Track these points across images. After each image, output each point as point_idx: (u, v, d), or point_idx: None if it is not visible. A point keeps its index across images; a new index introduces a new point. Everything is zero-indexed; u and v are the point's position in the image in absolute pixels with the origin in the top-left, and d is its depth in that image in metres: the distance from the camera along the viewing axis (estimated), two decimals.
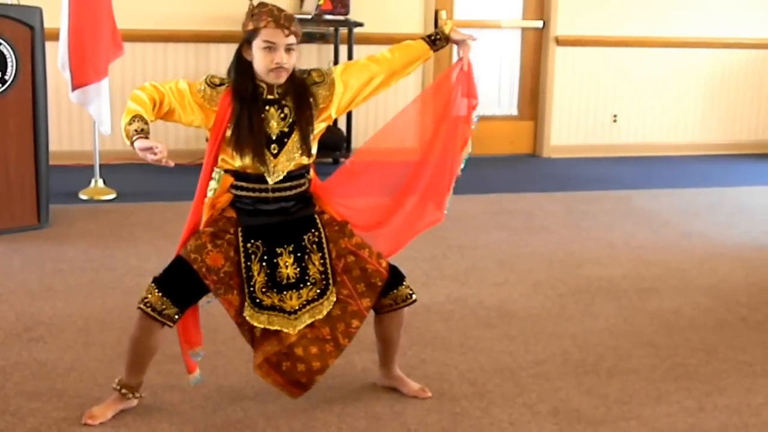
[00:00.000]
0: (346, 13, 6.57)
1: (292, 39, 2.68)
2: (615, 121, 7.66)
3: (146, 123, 2.59)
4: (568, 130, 7.58)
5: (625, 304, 4.02)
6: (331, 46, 6.74)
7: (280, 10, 2.69)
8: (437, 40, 2.94)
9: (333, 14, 6.54)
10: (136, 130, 2.55)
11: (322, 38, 6.83)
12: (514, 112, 7.57)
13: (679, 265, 4.63)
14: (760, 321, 3.86)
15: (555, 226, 5.36)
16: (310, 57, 6.81)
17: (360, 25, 6.57)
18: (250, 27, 2.69)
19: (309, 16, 6.51)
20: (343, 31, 6.64)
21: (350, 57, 6.57)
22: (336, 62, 6.68)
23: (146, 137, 2.54)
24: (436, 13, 7.15)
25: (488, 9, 7.36)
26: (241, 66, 2.74)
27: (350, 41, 6.59)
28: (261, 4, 2.72)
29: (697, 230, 5.35)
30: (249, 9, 2.73)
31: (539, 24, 7.43)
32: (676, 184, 6.64)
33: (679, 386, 3.18)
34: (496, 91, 7.45)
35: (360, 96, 2.87)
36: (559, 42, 7.39)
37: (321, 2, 6.49)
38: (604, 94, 7.59)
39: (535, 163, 7.40)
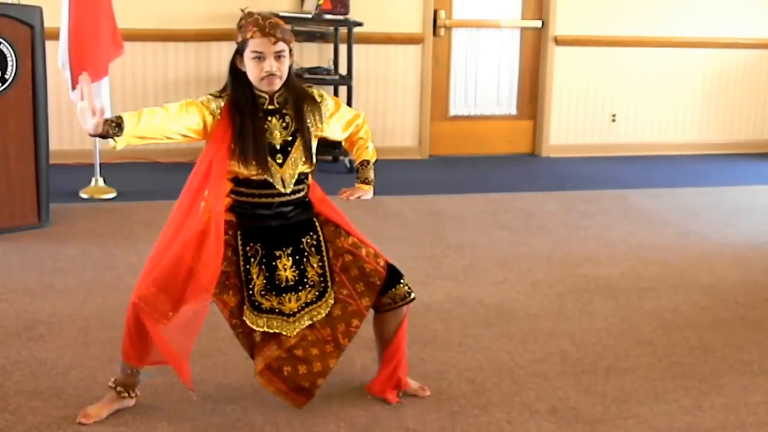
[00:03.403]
0: (346, 13, 6.57)
1: (280, 46, 2.67)
2: (614, 120, 7.66)
3: (122, 123, 2.56)
4: (567, 130, 7.58)
5: (623, 303, 4.03)
6: (331, 45, 6.75)
7: (265, 18, 2.67)
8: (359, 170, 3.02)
9: (333, 14, 6.54)
10: (112, 119, 2.55)
11: (322, 37, 6.83)
12: (513, 111, 7.57)
13: (677, 264, 4.63)
14: (757, 320, 3.87)
15: (554, 225, 5.37)
16: (311, 56, 6.83)
17: (360, 24, 6.57)
18: (239, 39, 2.70)
19: (309, 16, 6.51)
20: (343, 30, 6.64)
21: (350, 56, 6.57)
22: (336, 61, 6.69)
23: (105, 123, 2.51)
24: (435, 12, 7.15)
25: (487, 9, 7.36)
26: (237, 77, 2.74)
27: (350, 41, 6.59)
28: (248, 14, 2.70)
29: (695, 229, 5.36)
30: (239, 20, 2.73)
31: (538, 24, 7.43)
32: (674, 183, 6.65)
33: (677, 385, 3.19)
34: (495, 90, 7.45)
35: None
36: (558, 42, 7.39)
37: (321, 2, 6.49)
38: (603, 94, 7.59)
39: (533, 163, 7.40)
